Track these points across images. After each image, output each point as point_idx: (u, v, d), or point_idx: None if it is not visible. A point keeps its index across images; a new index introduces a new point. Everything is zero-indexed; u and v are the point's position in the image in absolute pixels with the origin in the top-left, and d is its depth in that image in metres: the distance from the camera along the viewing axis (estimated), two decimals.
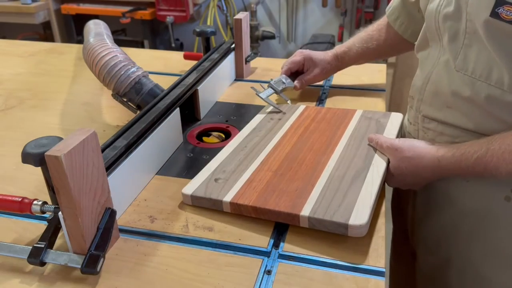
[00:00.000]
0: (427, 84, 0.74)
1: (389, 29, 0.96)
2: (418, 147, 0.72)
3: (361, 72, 1.16)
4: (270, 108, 0.95)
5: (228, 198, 0.68)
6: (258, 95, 0.96)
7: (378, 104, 1.02)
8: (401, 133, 0.87)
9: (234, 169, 0.75)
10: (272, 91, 0.99)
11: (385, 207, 0.70)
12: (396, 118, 0.86)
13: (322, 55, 1.02)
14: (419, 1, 0.84)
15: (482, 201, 0.70)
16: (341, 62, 1.03)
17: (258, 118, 0.92)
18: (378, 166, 0.72)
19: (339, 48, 1.03)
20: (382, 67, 1.23)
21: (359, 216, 0.61)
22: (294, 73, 1.04)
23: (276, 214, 0.64)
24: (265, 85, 1.01)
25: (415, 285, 0.87)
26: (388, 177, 0.74)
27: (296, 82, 1.02)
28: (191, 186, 0.71)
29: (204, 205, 0.69)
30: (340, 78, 1.15)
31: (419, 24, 0.87)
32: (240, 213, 0.67)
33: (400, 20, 0.93)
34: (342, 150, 0.77)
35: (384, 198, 0.71)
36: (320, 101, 1.04)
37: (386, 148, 0.74)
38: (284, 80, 1.02)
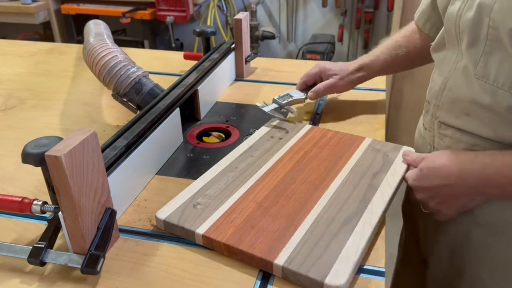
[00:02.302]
0: (443, 90, 0.71)
1: (418, 35, 0.91)
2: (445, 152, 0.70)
3: None
4: (275, 122, 0.88)
5: (201, 230, 0.61)
6: (262, 109, 0.91)
7: (378, 104, 1.02)
8: (415, 144, 0.85)
9: (216, 194, 0.68)
10: (276, 105, 0.92)
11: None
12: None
13: (343, 65, 0.96)
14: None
15: (500, 213, 0.68)
16: (368, 72, 0.95)
17: (258, 134, 0.85)
18: (373, 213, 0.64)
19: (365, 58, 0.96)
20: None
21: (338, 274, 0.54)
22: (311, 87, 0.97)
23: (249, 256, 0.58)
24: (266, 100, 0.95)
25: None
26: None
27: (310, 92, 0.95)
28: (167, 209, 0.65)
29: (177, 233, 0.63)
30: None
31: None
32: (212, 248, 0.61)
33: (430, 23, 0.87)
34: (338, 186, 0.69)
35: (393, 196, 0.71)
36: (321, 101, 1.04)
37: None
38: (291, 94, 0.95)
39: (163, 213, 0.65)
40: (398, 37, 0.94)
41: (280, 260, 0.56)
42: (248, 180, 0.71)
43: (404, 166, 0.75)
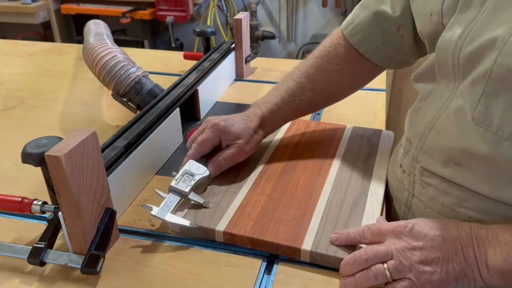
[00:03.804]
0: (430, 131, 0.59)
1: (344, 47, 0.76)
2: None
3: None
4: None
5: (221, 227, 0.62)
6: (154, 216, 0.62)
7: (378, 104, 1.02)
8: (391, 187, 0.72)
9: (224, 192, 0.69)
10: (177, 197, 0.65)
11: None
12: (387, 137, 0.83)
13: (244, 123, 0.74)
14: (405, 17, 0.68)
15: None
16: (270, 128, 0.77)
17: None
18: (376, 192, 0.68)
19: (262, 105, 0.76)
20: None
21: None
22: (206, 156, 0.73)
23: (274, 246, 0.60)
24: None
25: None
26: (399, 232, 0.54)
27: (210, 167, 0.70)
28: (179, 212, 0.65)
29: (194, 233, 0.63)
30: None
31: (394, 45, 0.72)
32: (234, 243, 0.62)
33: (369, 41, 0.73)
34: (336, 172, 0.73)
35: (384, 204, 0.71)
36: None
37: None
38: (193, 170, 0.68)
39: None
40: (300, 75, 0.77)
41: (307, 245, 0.59)
42: (250, 175, 0.73)
43: (389, 148, 0.79)
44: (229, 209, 0.65)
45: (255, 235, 0.61)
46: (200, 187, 0.69)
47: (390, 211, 0.72)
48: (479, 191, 0.55)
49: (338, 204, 0.66)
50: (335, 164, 0.76)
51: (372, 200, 0.67)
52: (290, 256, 0.60)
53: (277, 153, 0.79)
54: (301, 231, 0.61)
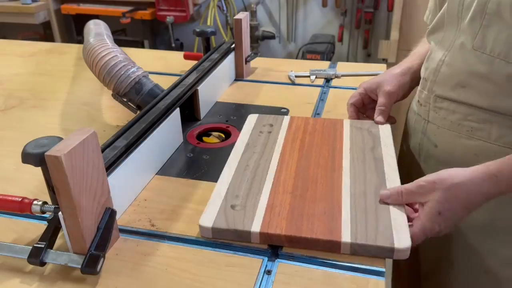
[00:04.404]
0: (441, 66, 0.75)
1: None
2: (460, 171, 0.62)
3: (361, 72, 1.16)
4: (255, 118, 0.89)
5: (256, 228, 0.62)
6: None
7: None
8: (408, 122, 0.89)
9: (247, 193, 0.68)
10: None
11: None
12: (385, 127, 0.84)
13: (387, 72, 0.89)
14: None
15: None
16: (413, 75, 0.87)
17: (246, 131, 0.86)
18: (393, 180, 0.69)
19: (401, 63, 0.91)
20: (382, 67, 1.23)
21: (401, 238, 0.59)
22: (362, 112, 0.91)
23: (314, 242, 0.60)
24: None
25: (419, 269, 0.88)
26: (432, 221, 0.61)
27: (375, 118, 0.86)
28: (208, 217, 0.64)
29: (227, 237, 0.63)
30: (340, 78, 1.15)
31: None
32: (270, 242, 0.62)
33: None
34: (349, 164, 0.74)
35: None
36: (320, 101, 1.04)
37: (417, 189, 0.63)
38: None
39: (207, 221, 0.63)
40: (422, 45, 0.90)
41: (346, 237, 0.59)
42: (267, 174, 0.73)
43: (390, 137, 0.81)
44: (258, 210, 0.65)
45: (292, 233, 0.61)
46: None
47: (407, 144, 0.89)
48: (479, 105, 0.71)
49: (361, 194, 0.67)
50: (346, 157, 0.76)
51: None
52: (329, 250, 0.60)
53: (286, 151, 0.79)
54: (335, 224, 0.62)
